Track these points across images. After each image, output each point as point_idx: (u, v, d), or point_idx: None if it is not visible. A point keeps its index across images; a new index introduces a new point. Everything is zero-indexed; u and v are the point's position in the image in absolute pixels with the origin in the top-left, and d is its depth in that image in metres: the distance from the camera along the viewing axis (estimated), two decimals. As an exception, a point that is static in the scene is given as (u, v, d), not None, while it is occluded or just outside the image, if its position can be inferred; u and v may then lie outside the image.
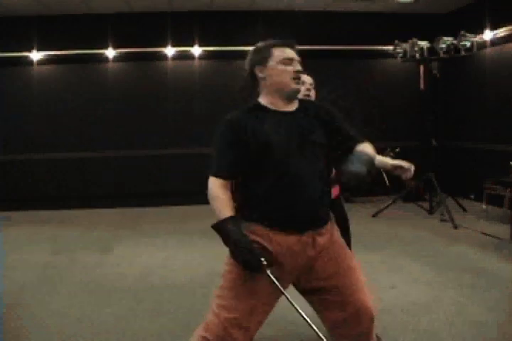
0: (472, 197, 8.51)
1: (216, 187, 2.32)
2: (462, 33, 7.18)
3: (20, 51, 8.76)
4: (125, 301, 4.29)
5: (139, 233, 7.04)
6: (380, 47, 9.10)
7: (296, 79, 2.39)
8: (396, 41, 7.72)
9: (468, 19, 8.59)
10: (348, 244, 3.25)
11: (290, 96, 2.44)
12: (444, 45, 7.29)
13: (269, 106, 2.42)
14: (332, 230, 2.48)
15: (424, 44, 7.46)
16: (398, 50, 7.73)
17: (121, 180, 9.06)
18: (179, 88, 9.19)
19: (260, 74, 2.43)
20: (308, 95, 3.26)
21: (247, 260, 2.16)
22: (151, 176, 9.17)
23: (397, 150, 8.50)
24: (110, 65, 9.06)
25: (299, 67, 2.41)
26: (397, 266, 5.16)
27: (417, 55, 7.51)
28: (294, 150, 2.33)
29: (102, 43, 8.85)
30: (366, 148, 2.46)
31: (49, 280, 4.85)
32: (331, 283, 2.37)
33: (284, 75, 2.38)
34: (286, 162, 2.31)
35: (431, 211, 7.73)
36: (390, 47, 8.03)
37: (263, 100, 2.45)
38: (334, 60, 9.15)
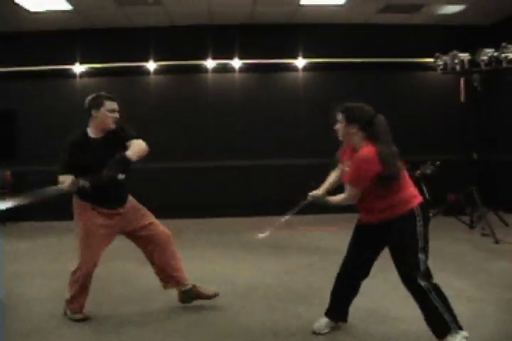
0: (515, 211, 8.36)
1: None
2: (504, 44, 7.08)
3: (64, 64, 8.98)
4: (164, 312, 4.32)
5: (178, 245, 7.06)
6: (420, 60, 9.07)
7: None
8: (436, 53, 7.66)
9: (510, 31, 8.48)
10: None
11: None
12: (485, 57, 7.21)
13: None
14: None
15: (464, 56, 7.39)
16: (439, 63, 7.67)
17: (162, 191, 9.14)
18: (219, 100, 9.27)
19: None
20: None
21: None
22: (190, 188, 9.24)
23: (438, 163, 8.41)
24: (151, 77, 9.19)
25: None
26: (436, 281, 5.08)
27: (458, 68, 7.43)
28: None
29: (143, 56, 8.99)
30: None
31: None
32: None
33: None
34: None
35: (472, 225, 7.60)
36: (431, 60, 7.97)
37: None
38: (374, 72, 9.13)
